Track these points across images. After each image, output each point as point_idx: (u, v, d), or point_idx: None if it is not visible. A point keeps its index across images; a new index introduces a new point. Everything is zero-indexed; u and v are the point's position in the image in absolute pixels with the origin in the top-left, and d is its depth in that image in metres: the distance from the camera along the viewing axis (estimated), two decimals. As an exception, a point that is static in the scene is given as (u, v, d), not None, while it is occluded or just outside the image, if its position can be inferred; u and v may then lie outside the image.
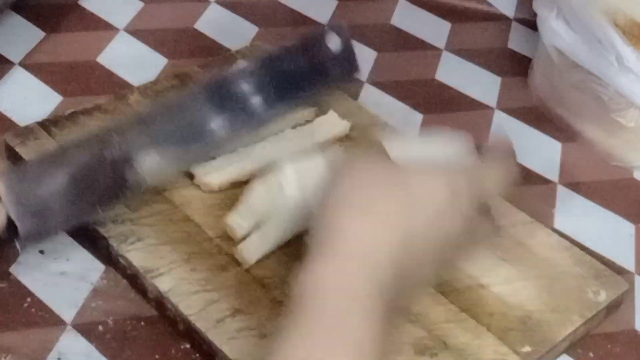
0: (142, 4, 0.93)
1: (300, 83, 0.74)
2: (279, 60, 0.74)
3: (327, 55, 0.75)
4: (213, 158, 0.70)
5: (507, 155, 0.59)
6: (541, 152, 0.82)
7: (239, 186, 0.69)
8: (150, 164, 0.65)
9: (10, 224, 0.59)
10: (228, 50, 0.87)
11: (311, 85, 0.75)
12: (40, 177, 0.61)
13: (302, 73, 0.74)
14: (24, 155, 0.69)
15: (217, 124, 0.69)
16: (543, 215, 0.73)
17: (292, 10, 0.96)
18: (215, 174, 0.69)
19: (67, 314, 0.62)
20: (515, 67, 0.92)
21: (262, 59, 0.73)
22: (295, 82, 0.73)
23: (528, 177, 0.78)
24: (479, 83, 0.89)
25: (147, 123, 0.66)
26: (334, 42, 0.75)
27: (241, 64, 0.75)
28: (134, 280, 0.63)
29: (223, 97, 0.70)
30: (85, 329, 0.61)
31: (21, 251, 0.61)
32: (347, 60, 0.76)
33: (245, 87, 0.71)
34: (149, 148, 0.65)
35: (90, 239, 0.66)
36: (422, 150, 0.58)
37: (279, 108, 0.73)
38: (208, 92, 0.70)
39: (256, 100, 0.71)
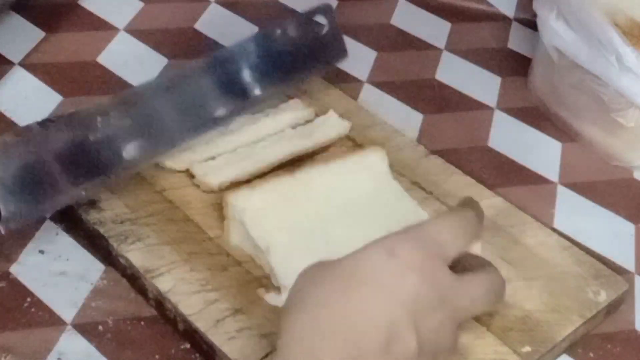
0: (142, 4, 0.93)
1: (286, 65, 0.74)
2: (265, 43, 0.74)
3: (313, 37, 0.76)
4: (212, 158, 0.70)
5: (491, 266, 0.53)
6: (541, 152, 0.82)
7: (239, 186, 0.69)
8: (133, 146, 0.66)
9: None
10: (228, 50, 0.87)
11: (297, 68, 0.75)
12: (23, 159, 0.60)
13: (287, 55, 0.74)
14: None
15: (205, 107, 0.69)
16: (543, 215, 0.73)
17: (292, 11, 0.96)
18: (215, 174, 0.69)
19: (67, 314, 0.62)
20: (515, 67, 0.92)
21: (247, 42, 0.74)
22: (280, 65, 0.74)
23: (528, 177, 0.79)
24: (479, 83, 0.89)
25: (130, 105, 0.66)
26: (320, 24, 0.76)
27: (227, 47, 0.76)
28: (134, 280, 0.63)
29: (208, 81, 0.70)
30: (85, 329, 0.61)
31: (3, 232, 0.60)
32: (334, 41, 0.77)
33: (231, 69, 0.71)
34: (132, 130, 0.65)
35: (90, 239, 0.66)
36: None
37: (263, 91, 0.73)
38: (194, 76, 0.70)
39: (241, 84, 0.72)
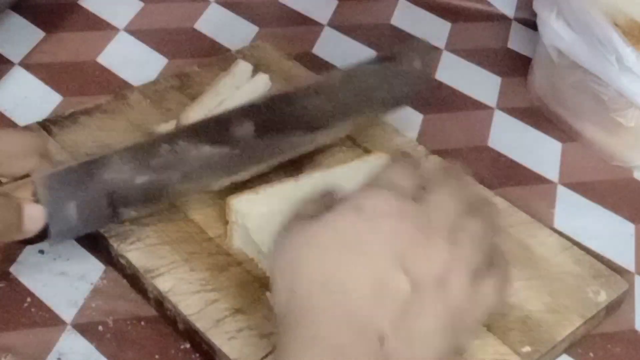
0: (142, 4, 0.93)
1: (368, 100, 0.71)
2: (353, 77, 0.71)
3: (402, 75, 0.72)
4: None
5: (457, 178, 0.55)
6: (541, 152, 0.82)
7: (239, 186, 0.69)
8: (193, 176, 0.65)
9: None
10: (228, 50, 0.87)
11: (378, 102, 0.72)
12: (82, 181, 0.59)
13: (373, 90, 0.71)
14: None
15: (274, 138, 0.67)
16: (543, 215, 0.73)
17: (292, 10, 0.96)
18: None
19: (67, 314, 0.62)
20: (515, 67, 0.92)
21: (334, 77, 0.71)
22: (363, 99, 0.71)
23: (528, 177, 0.79)
24: (479, 83, 0.89)
25: (196, 134, 0.64)
26: (413, 62, 0.72)
27: (312, 78, 0.73)
28: (134, 280, 0.63)
29: (284, 112, 0.67)
30: (85, 329, 0.61)
31: (50, 246, 0.60)
32: (421, 81, 0.74)
33: (309, 102, 0.68)
34: (194, 160, 0.64)
35: (90, 239, 0.66)
36: None
37: (338, 125, 0.71)
38: (267, 107, 0.66)
39: (318, 115, 0.68)
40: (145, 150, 0.62)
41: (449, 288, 0.49)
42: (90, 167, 0.60)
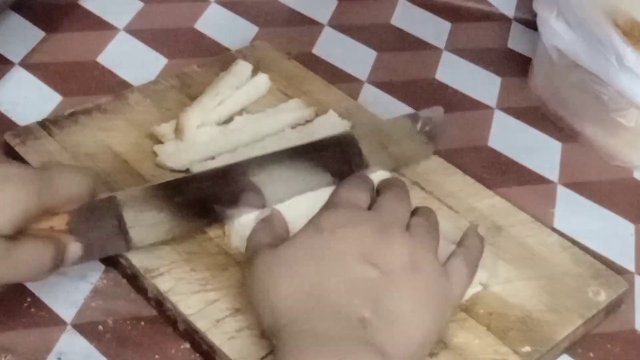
0: (142, 4, 0.93)
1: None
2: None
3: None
4: (212, 158, 0.70)
5: (400, 190, 0.63)
6: (541, 152, 0.82)
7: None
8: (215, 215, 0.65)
9: None
10: (228, 50, 0.87)
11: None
12: (107, 214, 0.61)
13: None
14: (23, 155, 0.70)
15: (288, 186, 0.67)
16: (543, 215, 0.73)
17: (292, 10, 0.96)
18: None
19: (67, 314, 0.62)
20: (515, 67, 0.92)
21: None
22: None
23: (528, 177, 0.79)
24: (479, 83, 0.89)
25: (225, 178, 0.65)
26: (422, 128, 0.74)
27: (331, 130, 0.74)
28: (134, 280, 0.63)
29: (303, 160, 0.68)
30: (85, 329, 0.61)
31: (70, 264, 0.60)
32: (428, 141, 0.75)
33: (326, 156, 0.69)
34: (218, 202, 0.65)
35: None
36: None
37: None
38: (290, 157, 0.68)
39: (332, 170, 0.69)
40: (170, 188, 0.64)
41: (420, 268, 0.56)
42: (115, 201, 0.61)
